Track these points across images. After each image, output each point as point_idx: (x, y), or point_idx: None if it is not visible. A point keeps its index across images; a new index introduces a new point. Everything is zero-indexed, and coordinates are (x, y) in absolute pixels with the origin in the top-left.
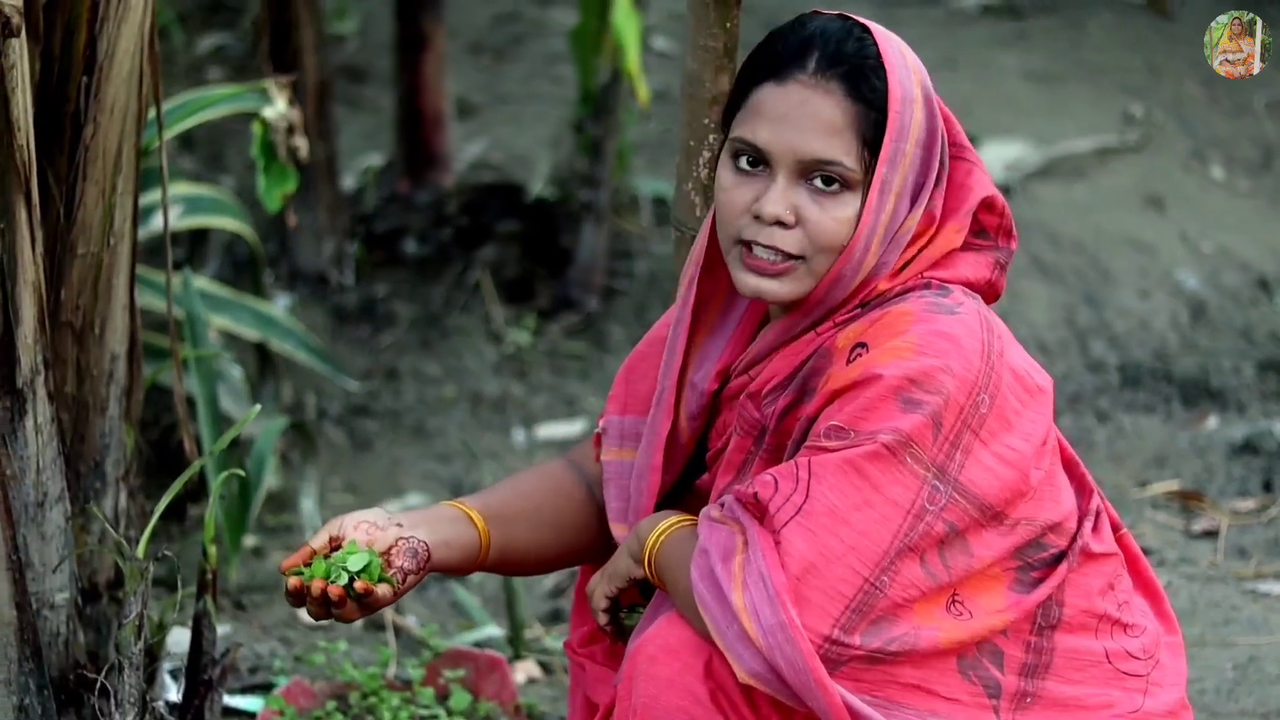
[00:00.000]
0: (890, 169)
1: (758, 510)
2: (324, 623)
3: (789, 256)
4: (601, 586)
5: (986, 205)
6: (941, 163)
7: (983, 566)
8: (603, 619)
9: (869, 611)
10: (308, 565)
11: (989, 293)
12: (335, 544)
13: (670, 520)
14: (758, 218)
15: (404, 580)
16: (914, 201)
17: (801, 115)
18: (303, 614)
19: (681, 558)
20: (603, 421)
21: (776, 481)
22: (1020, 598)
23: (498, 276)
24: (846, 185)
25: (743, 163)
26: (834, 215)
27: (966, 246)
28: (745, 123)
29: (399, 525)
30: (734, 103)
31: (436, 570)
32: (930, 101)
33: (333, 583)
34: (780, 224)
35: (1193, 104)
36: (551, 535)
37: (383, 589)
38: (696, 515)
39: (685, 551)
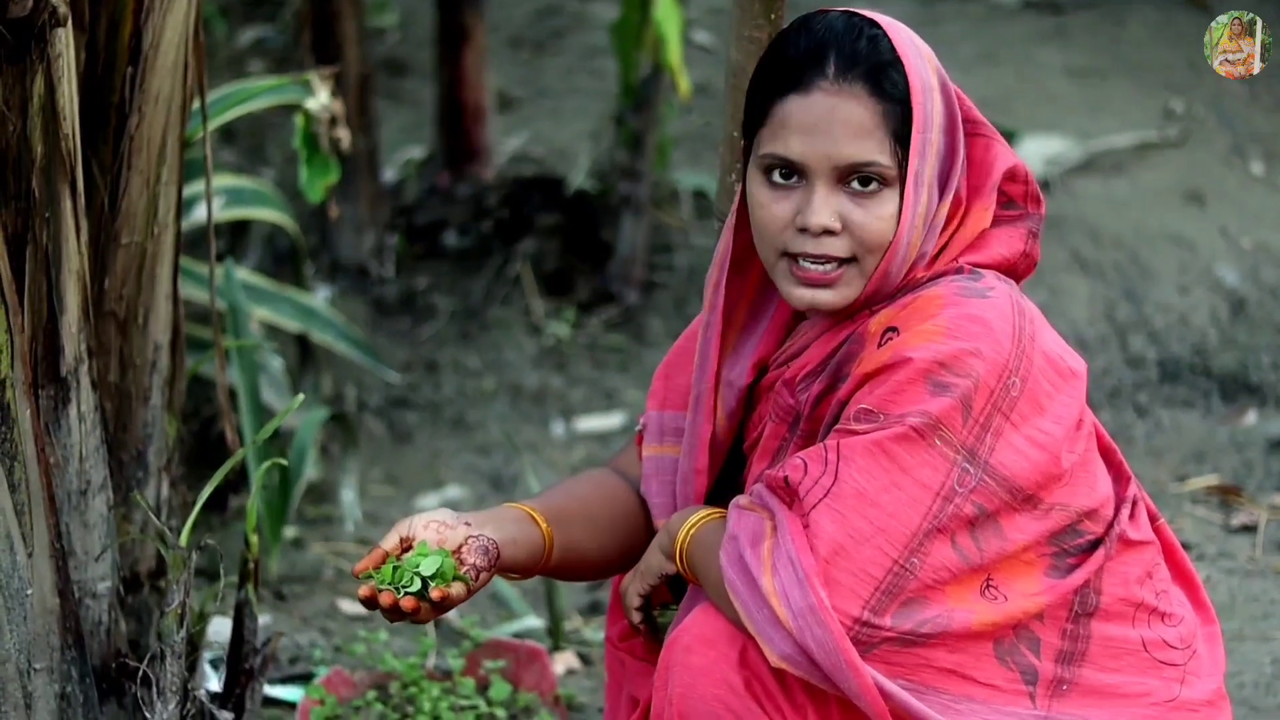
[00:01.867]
0: (921, 160)
1: (787, 494)
2: (368, 613)
3: (840, 261)
4: (634, 585)
5: (1009, 175)
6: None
7: (1016, 550)
8: (636, 617)
9: (899, 593)
10: (378, 569)
11: (1025, 264)
12: (406, 544)
13: (700, 514)
14: (803, 230)
15: (477, 577)
16: (943, 189)
17: (832, 122)
18: (345, 605)
19: (713, 547)
20: (643, 418)
21: (806, 464)
22: (1056, 582)
23: (538, 269)
24: (885, 183)
25: (776, 176)
26: (877, 214)
27: (996, 221)
28: (775, 138)
29: (467, 524)
30: (755, 116)
31: (504, 569)
32: (946, 86)
33: (406, 587)
34: (828, 232)
35: (1233, 100)
36: (608, 536)
37: (457, 588)
38: None
39: (716, 541)
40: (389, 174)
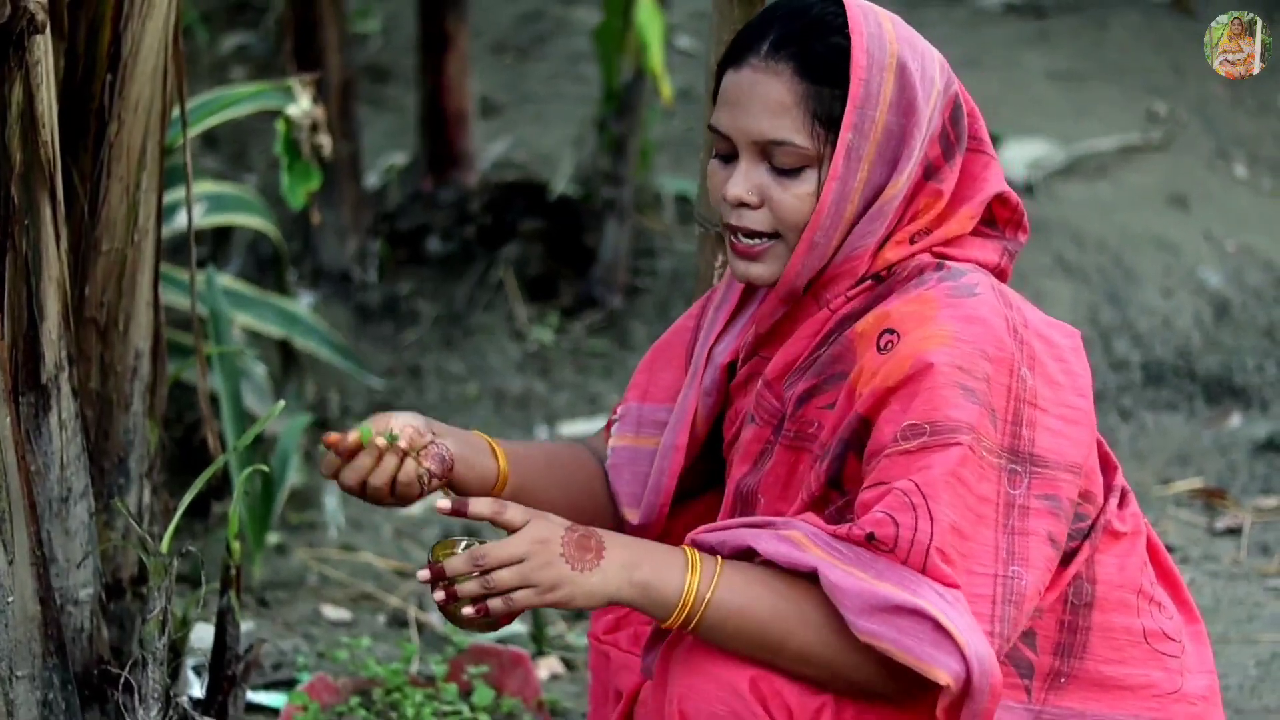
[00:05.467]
0: (858, 135)
1: (872, 550)
2: (351, 616)
3: (761, 235)
4: (526, 599)
5: (1002, 199)
6: (953, 142)
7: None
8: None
9: (1020, 600)
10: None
11: (998, 276)
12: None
13: (700, 566)
14: (725, 199)
15: (429, 482)
16: (893, 169)
17: (751, 98)
18: (328, 611)
19: (765, 601)
20: (620, 409)
21: (892, 517)
22: (1059, 571)
23: (521, 274)
24: (806, 162)
25: (719, 149)
26: (795, 193)
27: (976, 233)
28: (714, 110)
29: (433, 434)
30: (714, 92)
31: (453, 486)
32: (905, 69)
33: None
34: (744, 205)
35: (1216, 103)
36: (562, 497)
37: (412, 476)
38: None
39: (764, 574)
40: (371, 180)
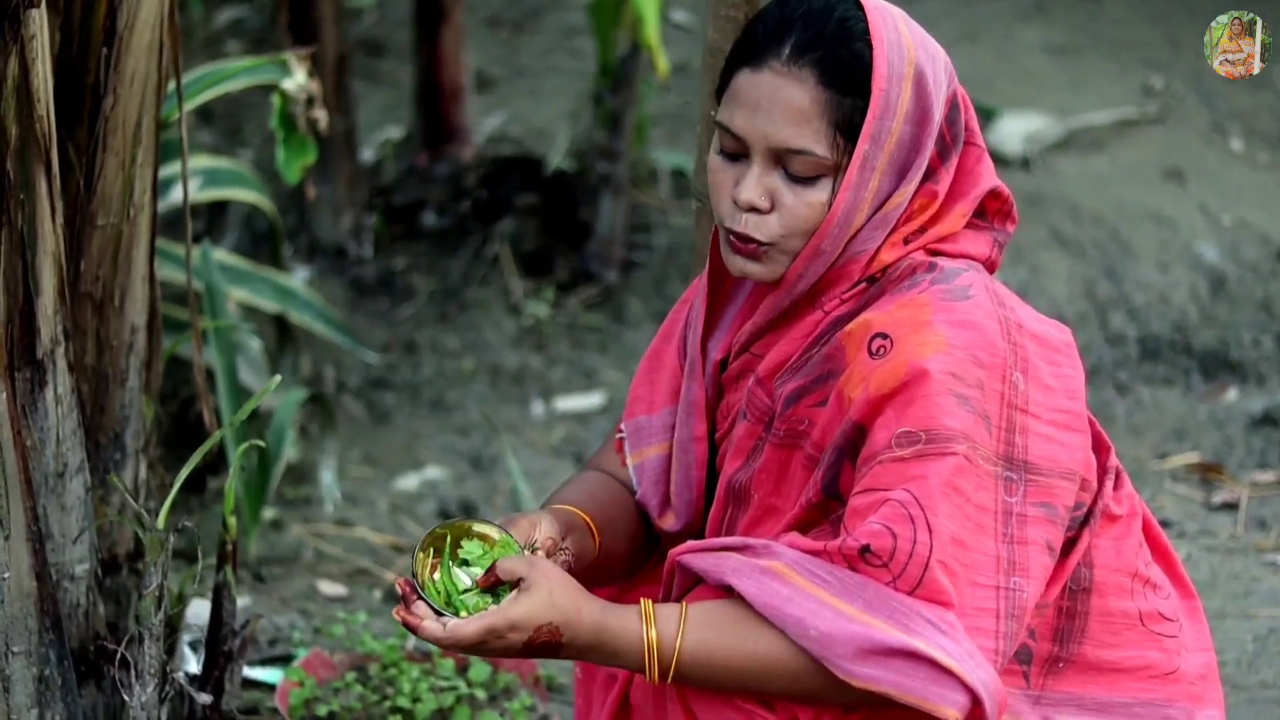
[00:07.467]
0: (874, 146)
1: (869, 564)
2: (344, 593)
3: (763, 242)
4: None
5: (992, 192)
6: (949, 143)
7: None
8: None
9: (1021, 614)
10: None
11: (988, 268)
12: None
13: (660, 614)
14: (735, 202)
15: None
16: (901, 177)
17: (773, 104)
18: (324, 586)
19: (740, 642)
20: (628, 425)
21: (889, 529)
22: (1059, 563)
23: (516, 249)
24: (821, 171)
25: (726, 145)
26: (808, 201)
27: (967, 225)
28: (726, 108)
29: (564, 548)
30: (721, 85)
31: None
32: (922, 79)
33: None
34: (755, 210)
35: (1213, 77)
36: (622, 543)
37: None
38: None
39: (732, 633)
40: (367, 154)
